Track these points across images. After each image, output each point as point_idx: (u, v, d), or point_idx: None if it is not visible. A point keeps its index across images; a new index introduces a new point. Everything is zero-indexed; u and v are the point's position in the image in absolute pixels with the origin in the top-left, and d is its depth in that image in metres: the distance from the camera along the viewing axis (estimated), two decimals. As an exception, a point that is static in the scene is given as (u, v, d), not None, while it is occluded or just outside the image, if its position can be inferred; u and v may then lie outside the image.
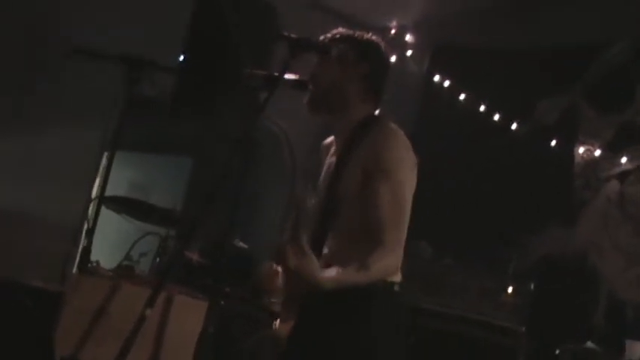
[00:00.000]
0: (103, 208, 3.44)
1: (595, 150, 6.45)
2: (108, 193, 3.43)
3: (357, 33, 3.19)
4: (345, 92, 3.08)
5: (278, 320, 2.97)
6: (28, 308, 3.37)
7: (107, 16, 6.51)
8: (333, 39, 3.15)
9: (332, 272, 2.79)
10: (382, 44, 3.20)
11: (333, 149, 3.19)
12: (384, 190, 2.87)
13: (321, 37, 3.18)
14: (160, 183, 8.11)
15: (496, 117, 7.02)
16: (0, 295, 3.47)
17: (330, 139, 3.28)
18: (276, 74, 2.94)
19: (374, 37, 3.21)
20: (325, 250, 3.00)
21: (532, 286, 5.71)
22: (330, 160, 3.15)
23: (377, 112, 3.15)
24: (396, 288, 2.98)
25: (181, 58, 5.66)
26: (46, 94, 6.33)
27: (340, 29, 3.20)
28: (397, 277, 2.98)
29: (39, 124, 6.33)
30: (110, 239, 4.54)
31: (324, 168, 3.19)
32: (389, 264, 2.88)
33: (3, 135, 6.13)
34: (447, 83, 7.40)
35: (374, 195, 2.88)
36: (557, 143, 6.65)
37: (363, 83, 3.10)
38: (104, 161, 3.66)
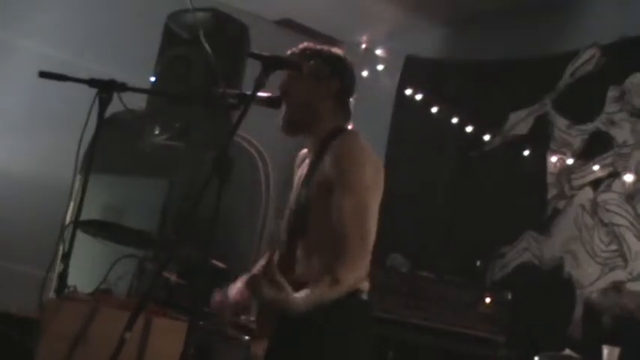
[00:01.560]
0: (79, 232, 3.41)
1: (567, 159, 6.49)
2: (83, 216, 3.41)
3: (324, 48, 3.22)
4: (317, 108, 3.11)
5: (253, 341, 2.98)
6: (7, 336, 3.33)
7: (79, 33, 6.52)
8: (302, 55, 3.16)
9: (305, 294, 2.79)
10: (348, 58, 3.24)
11: (305, 162, 3.21)
12: (345, 200, 2.89)
13: (288, 52, 3.20)
14: (135, 205, 8.07)
15: (469, 128, 7.05)
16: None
17: (304, 151, 3.31)
18: (249, 93, 2.94)
19: (341, 52, 3.24)
20: (298, 257, 3.02)
21: (509, 296, 5.73)
22: (302, 172, 3.17)
23: (349, 125, 3.18)
24: (364, 297, 3.01)
25: (153, 79, 5.67)
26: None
27: (306, 44, 3.22)
28: (364, 286, 3.01)
29: (12, 146, 6.31)
30: (86, 263, 4.52)
31: (296, 179, 3.21)
32: (357, 274, 2.89)
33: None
34: (418, 96, 7.43)
35: (337, 205, 2.90)
36: (529, 153, 6.69)
37: (334, 99, 3.13)
38: (77, 184, 3.62)
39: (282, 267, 2.87)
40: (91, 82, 3.32)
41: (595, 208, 6.24)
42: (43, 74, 3.37)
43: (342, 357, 2.96)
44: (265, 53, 2.92)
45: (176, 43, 5.65)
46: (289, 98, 3.11)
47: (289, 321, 2.88)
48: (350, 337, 2.98)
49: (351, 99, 3.21)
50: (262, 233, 7.26)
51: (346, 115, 3.18)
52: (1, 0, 6.47)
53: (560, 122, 6.64)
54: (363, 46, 7.87)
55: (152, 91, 5.54)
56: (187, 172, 5.95)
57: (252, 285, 2.73)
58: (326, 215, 2.93)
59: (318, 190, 2.99)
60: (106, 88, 3.31)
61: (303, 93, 3.11)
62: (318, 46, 3.22)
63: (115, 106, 3.36)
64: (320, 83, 3.12)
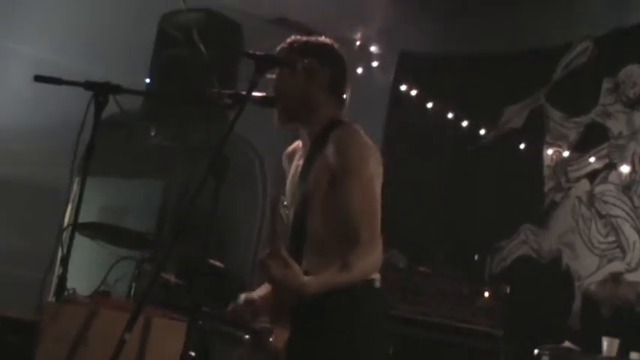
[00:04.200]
0: (77, 235, 3.42)
1: (563, 151, 6.50)
2: (80, 219, 3.41)
3: (311, 40, 3.22)
4: (311, 101, 3.12)
5: (273, 335, 2.99)
6: (8, 340, 3.33)
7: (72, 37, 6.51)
8: (292, 50, 3.16)
9: (316, 277, 2.82)
10: (336, 44, 3.24)
11: (299, 154, 3.22)
12: (352, 189, 2.91)
13: (278, 48, 3.20)
14: (132, 207, 8.06)
15: (464, 123, 7.06)
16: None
17: (293, 146, 3.33)
18: (243, 92, 2.94)
19: (329, 41, 3.24)
20: (304, 252, 3.03)
21: (508, 289, 5.74)
22: (297, 163, 3.18)
23: (342, 111, 3.20)
24: (377, 284, 3.03)
25: (147, 80, 5.68)
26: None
27: (293, 37, 3.23)
28: (376, 274, 3.03)
29: (8, 149, 6.32)
30: (85, 265, 4.51)
31: (292, 172, 3.22)
32: (370, 261, 2.90)
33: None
34: (413, 92, 7.44)
35: (344, 194, 2.92)
36: (525, 146, 6.70)
37: (326, 89, 3.14)
38: (75, 187, 3.62)
39: None
40: (87, 85, 3.32)
41: (592, 199, 6.26)
42: (38, 78, 3.37)
43: (358, 346, 2.98)
44: (259, 52, 2.92)
45: (170, 44, 5.65)
46: (283, 95, 3.12)
47: (305, 312, 2.92)
48: (365, 326, 3.00)
49: (345, 88, 3.22)
50: (260, 232, 7.26)
51: (340, 105, 3.20)
52: (-5, 6, 6.47)
53: (555, 115, 6.65)
54: (357, 43, 7.87)
55: (147, 93, 5.55)
56: (183, 173, 5.96)
57: (262, 265, 2.76)
58: (332, 203, 2.95)
59: (317, 182, 3.00)
60: (101, 91, 3.31)
61: (297, 89, 3.12)
62: (305, 38, 3.22)
63: (110, 108, 3.37)
64: (311, 77, 3.13)
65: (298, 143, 3.28)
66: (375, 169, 3.00)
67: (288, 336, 2.97)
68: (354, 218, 2.89)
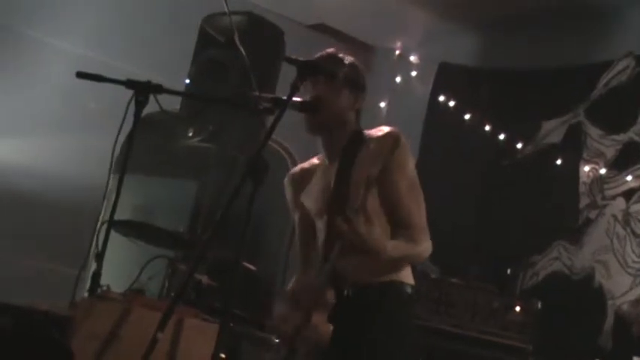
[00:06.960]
0: (112, 232, 3.43)
1: (600, 168, 6.45)
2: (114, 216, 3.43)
3: (358, 65, 3.25)
4: (344, 111, 3.15)
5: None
6: (51, 336, 3.35)
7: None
8: (337, 62, 3.17)
9: (392, 242, 3.00)
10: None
11: (320, 170, 3.22)
12: (401, 180, 3.04)
13: (322, 55, 3.21)
14: (166, 206, 8.10)
15: (501, 136, 7.03)
16: (23, 322, 3.47)
17: (298, 168, 3.37)
18: (284, 97, 2.95)
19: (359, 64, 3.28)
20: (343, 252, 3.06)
21: (539, 305, 5.71)
22: (320, 176, 3.18)
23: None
24: (409, 290, 3.11)
25: (187, 81, 5.71)
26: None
27: (331, 49, 3.24)
28: (410, 280, 3.12)
29: (47, 145, 6.38)
30: (118, 263, 4.54)
31: (319, 186, 3.21)
32: (428, 244, 3.09)
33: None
34: (451, 103, 7.42)
35: (393, 183, 3.04)
36: (562, 162, 6.66)
37: (356, 106, 3.19)
38: (111, 184, 3.66)
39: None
40: (128, 84, 3.34)
41: (627, 218, 6.21)
42: (81, 75, 3.40)
43: (401, 345, 3.07)
44: (301, 58, 2.94)
45: (211, 45, 5.68)
46: (323, 104, 3.13)
47: (354, 307, 3.00)
48: (408, 329, 3.13)
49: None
50: (292, 237, 7.26)
51: (358, 120, 3.26)
52: (39, 2, 6.54)
53: (594, 132, 6.61)
54: (397, 52, 7.88)
55: (188, 94, 5.58)
56: (219, 175, 5.99)
57: (344, 223, 2.86)
58: (371, 206, 3.03)
59: (358, 184, 3.02)
60: (142, 90, 3.33)
61: (337, 99, 3.13)
62: (351, 58, 3.24)
63: (148, 107, 3.39)
64: (352, 94, 3.16)
65: (303, 166, 3.34)
66: (415, 172, 3.12)
67: (333, 329, 2.98)
68: (404, 205, 3.05)
